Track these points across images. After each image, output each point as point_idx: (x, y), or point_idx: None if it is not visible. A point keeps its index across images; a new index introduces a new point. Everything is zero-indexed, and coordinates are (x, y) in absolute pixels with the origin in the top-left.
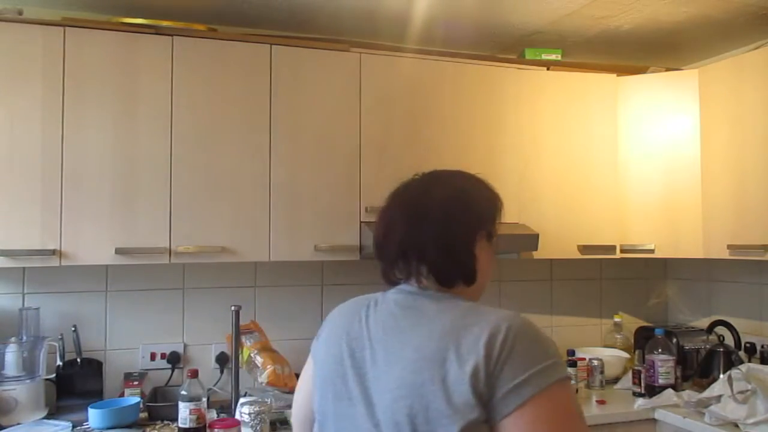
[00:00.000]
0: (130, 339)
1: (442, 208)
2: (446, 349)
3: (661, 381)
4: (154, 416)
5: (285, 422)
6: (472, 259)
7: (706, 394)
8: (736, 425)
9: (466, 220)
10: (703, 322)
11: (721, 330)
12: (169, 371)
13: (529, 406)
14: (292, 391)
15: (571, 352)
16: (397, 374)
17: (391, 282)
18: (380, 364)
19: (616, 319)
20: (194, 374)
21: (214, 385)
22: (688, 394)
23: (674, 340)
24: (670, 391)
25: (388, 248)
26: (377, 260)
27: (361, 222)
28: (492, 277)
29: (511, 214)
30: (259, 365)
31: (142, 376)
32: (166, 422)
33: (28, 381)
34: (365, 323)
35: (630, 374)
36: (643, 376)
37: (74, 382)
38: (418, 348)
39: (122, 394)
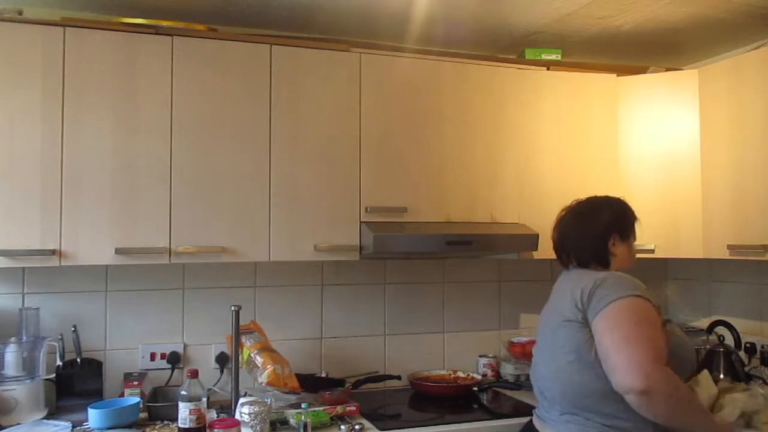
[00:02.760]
0: (130, 339)
1: (578, 227)
2: (572, 291)
3: None
4: (154, 416)
5: (285, 422)
6: (604, 252)
7: None
8: None
9: (593, 232)
10: (703, 322)
11: (721, 330)
12: (169, 371)
13: (602, 311)
14: (292, 391)
15: None
16: (554, 311)
17: (565, 266)
18: (546, 310)
19: None
20: (194, 374)
21: (214, 385)
22: None
23: None
24: None
25: (557, 250)
26: (555, 254)
27: (361, 222)
28: (631, 262)
29: (511, 214)
30: (259, 365)
31: (142, 376)
32: (166, 422)
33: (28, 381)
34: (551, 294)
35: None
36: None
37: (74, 382)
38: (564, 294)
39: (122, 394)
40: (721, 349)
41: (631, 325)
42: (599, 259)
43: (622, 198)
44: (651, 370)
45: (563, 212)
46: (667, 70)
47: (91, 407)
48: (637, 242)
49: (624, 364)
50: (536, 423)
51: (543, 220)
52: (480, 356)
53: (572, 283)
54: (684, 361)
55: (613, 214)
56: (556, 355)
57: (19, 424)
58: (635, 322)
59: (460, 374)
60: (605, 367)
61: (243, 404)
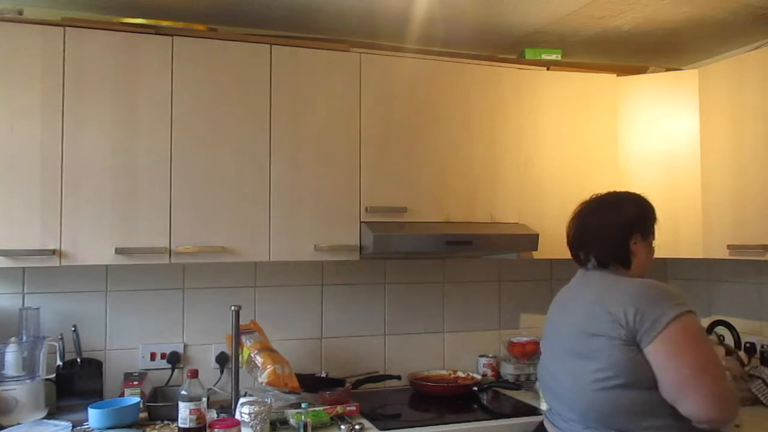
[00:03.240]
0: (130, 339)
1: (601, 222)
2: (602, 301)
3: None
4: (154, 416)
5: (285, 422)
6: (626, 251)
7: None
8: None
9: (617, 228)
10: (703, 322)
11: (721, 330)
12: (169, 371)
13: (661, 336)
14: (292, 391)
15: None
16: (576, 317)
17: (582, 264)
18: (562, 312)
19: None
20: (194, 374)
21: (214, 385)
22: None
23: None
24: None
25: (574, 246)
26: (571, 251)
27: (361, 222)
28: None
29: (511, 214)
30: (259, 365)
31: (142, 376)
32: (166, 422)
33: (28, 381)
34: (565, 293)
35: None
36: None
37: (74, 382)
38: (587, 300)
39: (122, 394)
40: None
41: (697, 352)
42: (620, 259)
43: (644, 195)
44: (729, 400)
45: (582, 206)
46: (667, 70)
47: (91, 407)
48: None
49: (705, 397)
50: (549, 428)
51: (543, 220)
52: (480, 356)
53: (599, 290)
54: None
55: (638, 210)
56: (579, 367)
57: (19, 424)
58: (698, 344)
59: (460, 374)
60: (673, 396)
61: (243, 404)
